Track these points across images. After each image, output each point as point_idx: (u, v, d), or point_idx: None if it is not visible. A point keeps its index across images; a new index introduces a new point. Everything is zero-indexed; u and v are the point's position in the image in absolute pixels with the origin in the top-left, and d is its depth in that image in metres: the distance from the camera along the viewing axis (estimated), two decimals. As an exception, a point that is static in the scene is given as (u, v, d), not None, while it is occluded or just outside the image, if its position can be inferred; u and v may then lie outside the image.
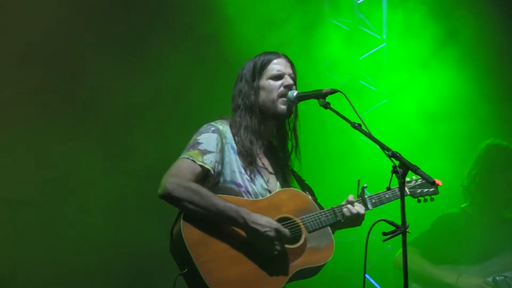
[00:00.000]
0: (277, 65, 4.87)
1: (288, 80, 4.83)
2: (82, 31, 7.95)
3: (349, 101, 4.61)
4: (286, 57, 4.95)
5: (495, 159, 6.66)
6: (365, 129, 4.52)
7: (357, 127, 4.53)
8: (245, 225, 4.49)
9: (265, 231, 4.48)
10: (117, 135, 8.12)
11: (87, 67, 7.92)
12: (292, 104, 4.82)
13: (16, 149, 7.77)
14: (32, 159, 7.83)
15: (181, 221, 4.47)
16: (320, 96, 4.71)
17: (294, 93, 4.79)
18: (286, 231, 4.54)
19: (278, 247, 4.52)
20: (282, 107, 4.80)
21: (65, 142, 7.85)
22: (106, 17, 8.08)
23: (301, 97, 4.79)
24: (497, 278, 6.44)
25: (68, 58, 7.97)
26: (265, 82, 4.83)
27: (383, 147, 4.34)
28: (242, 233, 4.52)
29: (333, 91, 4.70)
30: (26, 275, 7.51)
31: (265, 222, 4.50)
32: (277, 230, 4.51)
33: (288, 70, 4.89)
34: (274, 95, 4.80)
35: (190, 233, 4.45)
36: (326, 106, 4.69)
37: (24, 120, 7.75)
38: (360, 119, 4.54)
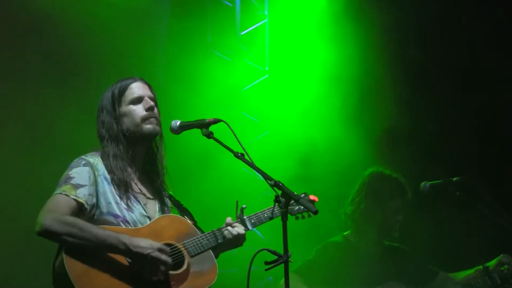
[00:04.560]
0: (135, 89, 4.87)
1: (148, 102, 4.83)
2: None
3: (231, 131, 4.66)
4: (142, 80, 4.96)
5: (380, 187, 6.76)
6: (248, 159, 4.56)
7: (240, 156, 4.57)
8: (127, 250, 4.44)
9: (149, 253, 4.44)
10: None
11: None
12: (175, 133, 4.82)
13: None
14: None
15: (63, 254, 4.39)
16: (203, 125, 4.75)
17: (177, 122, 4.80)
18: (168, 249, 4.52)
19: (163, 268, 4.49)
20: (148, 126, 4.79)
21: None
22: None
23: (184, 127, 4.80)
24: (384, 307, 6.54)
25: None
26: (126, 108, 4.83)
27: (266, 177, 4.39)
28: (125, 261, 4.47)
29: (216, 121, 4.74)
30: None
31: (147, 244, 4.47)
32: (160, 250, 4.48)
33: (147, 92, 4.90)
34: (137, 119, 4.79)
35: (74, 266, 4.38)
36: (209, 135, 4.72)
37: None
38: (243, 148, 4.59)
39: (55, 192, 4.56)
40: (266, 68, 8.86)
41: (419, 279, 6.69)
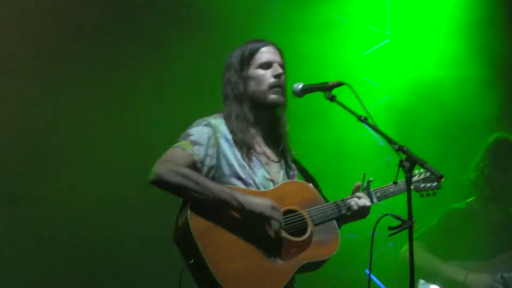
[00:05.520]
0: (266, 53, 4.80)
1: (277, 69, 4.77)
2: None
3: (355, 94, 4.58)
4: (274, 44, 4.89)
5: (505, 153, 6.64)
6: (372, 122, 4.49)
7: (364, 120, 4.51)
8: (240, 207, 4.45)
9: (261, 211, 4.45)
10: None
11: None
12: (298, 96, 4.78)
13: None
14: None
15: (188, 210, 4.43)
16: (326, 88, 4.67)
17: (299, 85, 4.75)
18: (279, 208, 4.51)
19: (277, 224, 4.49)
20: (273, 96, 4.74)
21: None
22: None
23: (307, 90, 4.75)
24: (506, 275, 6.42)
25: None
26: (254, 71, 4.77)
27: (390, 141, 4.32)
28: (245, 222, 4.48)
29: (339, 84, 4.66)
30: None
31: (260, 202, 4.47)
32: (273, 207, 4.48)
33: (277, 58, 4.83)
34: (265, 85, 4.74)
35: (197, 223, 4.41)
36: (332, 99, 4.65)
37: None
38: (367, 112, 4.52)
39: (172, 146, 4.58)
40: (387, 33, 8.72)
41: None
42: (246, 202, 4.46)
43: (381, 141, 8.47)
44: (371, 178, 4.89)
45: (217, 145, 4.65)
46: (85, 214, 7.38)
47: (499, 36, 8.21)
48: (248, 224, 4.49)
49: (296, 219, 4.61)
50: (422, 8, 8.51)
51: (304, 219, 4.64)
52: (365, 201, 4.80)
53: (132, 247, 7.60)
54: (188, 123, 4.77)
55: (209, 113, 4.83)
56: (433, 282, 6.49)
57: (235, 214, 4.48)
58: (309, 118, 7.41)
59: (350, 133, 8.22)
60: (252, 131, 4.78)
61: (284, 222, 4.57)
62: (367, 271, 8.37)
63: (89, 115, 7.56)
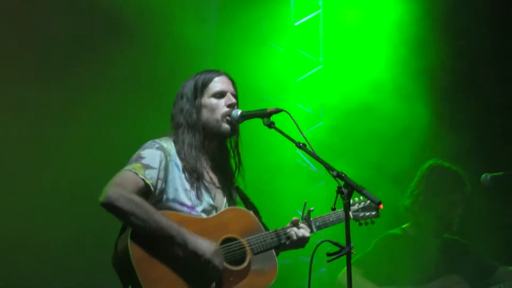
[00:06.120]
0: (219, 83, 4.84)
1: (231, 99, 4.81)
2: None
3: (293, 121, 4.62)
4: (227, 75, 4.93)
5: (439, 180, 6.70)
6: (310, 149, 4.52)
7: (302, 146, 4.54)
8: (184, 246, 4.43)
9: (203, 255, 4.43)
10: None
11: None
12: (236, 123, 4.79)
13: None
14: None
15: (129, 237, 4.39)
16: (265, 115, 4.71)
17: (238, 112, 4.77)
18: (222, 258, 4.50)
19: (215, 273, 4.47)
20: (226, 126, 4.77)
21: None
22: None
23: (245, 116, 4.78)
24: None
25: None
26: (207, 100, 4.80)
27: (328, 167, 4.34)
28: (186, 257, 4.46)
29: (277, 110, 4.70)
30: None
31: (204, 245, 4.46)
32: (216, 254, 4.46)
33: (230, 88, 4.87)
34: (218, 114, 4.77)
35: (137, 251, 4.38)
36: (271, 125, 4.68)
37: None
38: (305, 138, 4.55)
39: (124, 168, 4.55)
40: (320, 59, 8.80)
41: (479, 272, 6.64)
42: (190, 241, 4.43)
43: (314, 167, 8.53)
44: (311, 208, 4.91)
45: (167, 169, 4.62)
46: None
47: (432, 54, 8.36)
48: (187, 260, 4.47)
49: (235, 248, 4.60)
50: (355, 32, 8.61)
51: (243, 247, 4.63)
52: (304, 231, 4.82)
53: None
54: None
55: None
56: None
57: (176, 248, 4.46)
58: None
59: (283, 159, 8.26)
60: (202, 158, 4.77)
61: (224, 250, 4.56)
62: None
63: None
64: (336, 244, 4.21)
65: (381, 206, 4.92)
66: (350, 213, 5.06)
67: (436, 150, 7.90)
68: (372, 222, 5.20)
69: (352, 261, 4.19)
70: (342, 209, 4.31)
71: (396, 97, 8.18)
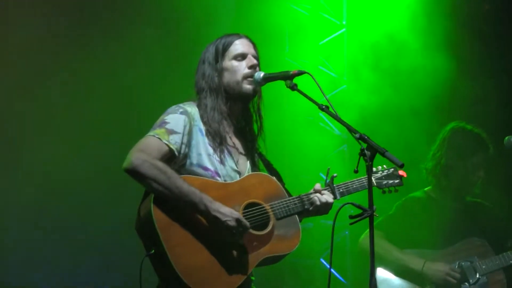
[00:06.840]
0: (240, 46, 4.83)
1: (252, 60, 4.79)
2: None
3: (316, 83, 4.58)
4: (247, 37, 4.91)
5: (462, 142, 6.68)
6: (333, 111, 4.49)
7: (325, 109, 4.50)
8: (206, 212, 4.44)
9: (226, 220, 4.43)
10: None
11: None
12: (258, 85, 4.77)
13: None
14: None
15: (152, 202, 4.40)
16: (287, 77, 4.68)
17: (260, 74, 4.75)
18: (246, 223, 4.49)
19: (237, 238, 4.48)
20: (248, 87, 4.76)
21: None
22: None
23: (268, 78, 4.75)
24: (463, 263, 6.48)
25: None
26: (228, 63, 4.79)
27: (351, 129, 4.32)
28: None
29: (300, 73, 4.66)
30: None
31: (227, 211, 4.46)
32: (238, 221, 4.46)
33: (251, 50, 4.85)
34: (239, 76, 4.76)
35: (160, 216, 4.40)
36: (293, 87, 4.65)
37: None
38: (328, 101, 4.51)
39: (148, 134, 4.55)
40: (344, 22, 8.76)
41: (500, 235, 6.65)
42: (213, 208, 4.43)
43: (337, 130, 8.52)
44: (335, 174, 4.88)
45: (191, 133, 4.63)
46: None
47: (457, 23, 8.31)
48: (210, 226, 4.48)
49: (258, 213, 4.61)
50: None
51: (266, 212, 4.64)
52: (327, 197, 4.80)
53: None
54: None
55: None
56: (391, 271, 6.52)
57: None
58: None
59: (306, 122, 8.26)
60: (225, 123, 4.77)
61: (247, 215, 4.56)
62: (322, 261, 8.43)
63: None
64: (359, 206, 4.19)
65: (405, 175, 4.98)
66: (374, 180, 5.02)
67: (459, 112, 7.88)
68: (396, 190, 5.13)
69: (374, 224, 4.16)
70: (365, 176, 4.28)
71: (420, 57, 8.13)
